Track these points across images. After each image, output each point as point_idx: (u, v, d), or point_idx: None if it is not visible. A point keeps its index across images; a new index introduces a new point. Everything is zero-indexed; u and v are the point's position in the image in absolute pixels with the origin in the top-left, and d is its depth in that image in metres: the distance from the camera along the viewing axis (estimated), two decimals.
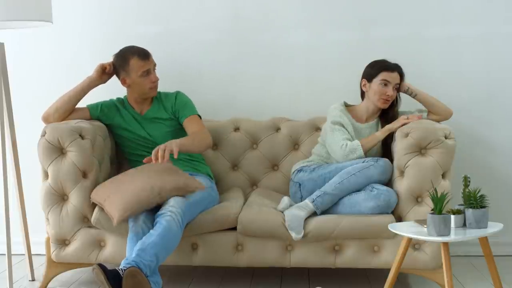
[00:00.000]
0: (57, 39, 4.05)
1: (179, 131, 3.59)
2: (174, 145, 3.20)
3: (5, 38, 3.66)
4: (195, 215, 3.29)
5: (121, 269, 2.92)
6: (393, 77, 3.51)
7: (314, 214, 3.30)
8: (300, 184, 3.49)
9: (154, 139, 3.58)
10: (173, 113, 3.61)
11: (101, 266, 2.90)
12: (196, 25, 4.02)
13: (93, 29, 4.05)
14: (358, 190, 3.30)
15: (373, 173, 3.30)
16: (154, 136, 3.59)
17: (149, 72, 3.55)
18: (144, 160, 3.23)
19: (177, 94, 3.67)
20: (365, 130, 3.56)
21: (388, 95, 3.50)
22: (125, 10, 4.05)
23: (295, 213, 3.24)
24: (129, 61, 3.52)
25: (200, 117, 3.62)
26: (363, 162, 3.33)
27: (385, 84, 3.50)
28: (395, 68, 3.53)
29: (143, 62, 3.53)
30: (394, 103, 3.58)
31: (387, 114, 3.58)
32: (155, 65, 3.60)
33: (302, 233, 3.20)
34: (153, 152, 3.18)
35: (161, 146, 3.18)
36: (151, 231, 3.08)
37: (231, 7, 4.01)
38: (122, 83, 3.58)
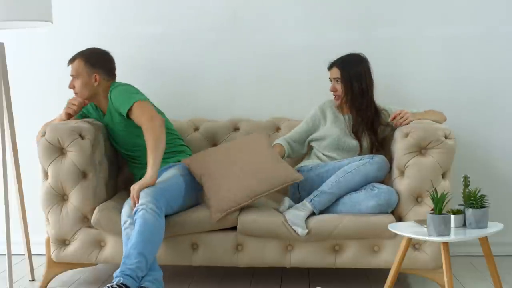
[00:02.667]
0: (57, 39, 4.05)
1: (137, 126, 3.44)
2: (136, 188, 3.16)
3: (5, 38, 3.66)
4: (174, 200, 3.24)
5: (108, 286, 2.91)
6: (332, 73, 3.61)
7: (313, 214, 3.30)
8: (298, 184, 3.49)
9: (122, 142, 3.56)
10: (117, 112, 3.46)
11: None
12: (196, 26, 4.02)
13: (92, 29, 4.05)
14: (356, 188, 3.32)
15: (369, 169, 3.32)
16: (121, 138, 3.55)
17: (71, 76, 3.54)
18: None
19: (111, 92, 3.46)
20: (342, 121, 3.59)
21: (332, 91, 3.59)
22: (125, 10, 4.05)
23: (294, 213, 3.25)
24: None
25: (141, 98, 3.38)
26: (359, 160, 3.36)
27: (330, 81, 3.62)
28: (333, 64, 3.61)
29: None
30: (353, 97, 3.55)
31: (354, 107, 3.59)
32: (75, 75, 3.50)
33: (306, 230, 3.21)
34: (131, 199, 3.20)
35: (132, 191, 3.18)
36: (132, 232, 3.09)
37: (231, 8, 4.01)
38: None
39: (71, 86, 3.53)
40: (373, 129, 3.55)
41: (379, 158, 3.36)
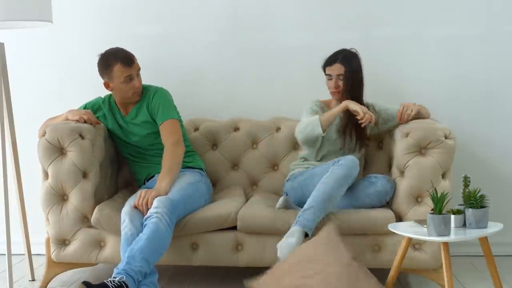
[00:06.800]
0: (57, 39, 4.05)
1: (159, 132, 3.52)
2: (153, 194, 3.19)
3: (5, 38, 3.66)
4: (184, 212, 3.27)
5: (111, 280, 2.92)
6: (333, 69, 3.53)
7: (307, 235, 3.14)
8: (286, 194, 3.51)
9: (135, 143, 3.57)
10: (150, 114, 3.53)
11: (86, 283, 2.91)
12: (196, 25, 4.02)
13: (93, 29, 4.05)
14: (336, 196, 3.22)
15: (338, 173, 3.24)
16: (134, 139, 3.56)
17: (132, 78, 3.46)
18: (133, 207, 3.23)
19: (155, 93, 3.54)
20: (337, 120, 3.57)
21: (333, 86, 3.54)
22: (125, 10, 4.04)
23: (286, 242, 3.10)
24: (113, 67, 3.44)
25: (176, 117, 3.53)
26: (328, 168, 3.31)
27: (330, 78, 3.55)
28: (334, 60, 3.54)
29: (126, 68, 3.44)
30: (352, 91, 3.51)
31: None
32: (139, 69, 3.51)
33: None
34: (135, 202, 3.20)
35: (142, 194, 3.20)
36: (140, 234, 3.09)
37: (231, 8, 4.00)
38: (105, 87, 3.52)
39: (139, 84, 3.51)
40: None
41: (344, 160, 3.28)
